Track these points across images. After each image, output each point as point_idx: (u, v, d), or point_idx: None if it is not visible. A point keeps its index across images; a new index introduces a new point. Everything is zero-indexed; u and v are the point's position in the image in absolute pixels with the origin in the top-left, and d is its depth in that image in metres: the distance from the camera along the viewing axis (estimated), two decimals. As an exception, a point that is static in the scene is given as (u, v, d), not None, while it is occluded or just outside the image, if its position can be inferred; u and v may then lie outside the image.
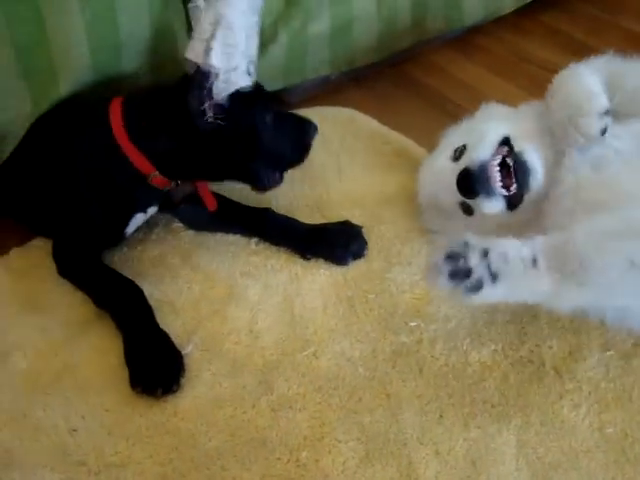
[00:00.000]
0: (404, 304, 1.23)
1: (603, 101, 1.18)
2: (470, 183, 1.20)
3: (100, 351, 1.19)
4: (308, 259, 1.30)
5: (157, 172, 1.23)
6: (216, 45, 1.13)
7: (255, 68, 1.21)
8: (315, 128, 1.28)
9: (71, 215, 1.27)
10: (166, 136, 1.20)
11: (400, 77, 1.77)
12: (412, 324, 1.20)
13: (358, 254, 1.30)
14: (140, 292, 1.22)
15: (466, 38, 1.86)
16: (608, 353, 1.15)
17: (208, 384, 1.14)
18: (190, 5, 1.35)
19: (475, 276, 0.96)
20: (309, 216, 1.38)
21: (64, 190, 1.26)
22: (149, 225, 1.38)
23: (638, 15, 1.91)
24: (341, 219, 1.37)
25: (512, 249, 0.99)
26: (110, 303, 1.22)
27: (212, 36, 1.14)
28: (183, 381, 1.14)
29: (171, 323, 1.22)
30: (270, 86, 1.56)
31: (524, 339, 1.18)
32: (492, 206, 1.22)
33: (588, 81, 1.21)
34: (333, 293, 1.25)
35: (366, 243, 1.32)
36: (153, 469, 1.05)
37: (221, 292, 1.27)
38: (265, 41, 1.52)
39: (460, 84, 1.72)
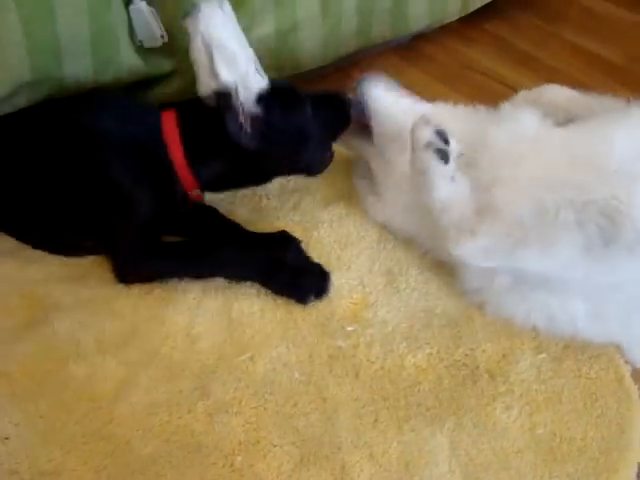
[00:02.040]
0: (342, 309, 1.24)
1: None
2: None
3: (35, 357, 1.17)
4: None
5: (199, 190, 1.27)
6: (219, 64, 1.18)
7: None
8: (348, 97, 1.33)
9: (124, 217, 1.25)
10: (221, 161, 1.24)
11: (343, 81, 1.77)
12: (349, 329, 1.21)
13: (320, 294, 1.27)
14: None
15: (411, 45, 1.88)
16: (540, 356, 1.18)
17: (144, 389, 1.14)
18: (132, 7, 1.35)
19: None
20: (250, 222, 1.37)
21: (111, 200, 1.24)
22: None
23: (579, 27, 1.95)
24: (282, 223, 1.38)
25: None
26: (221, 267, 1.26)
27: (211, 59, 1.18)
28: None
29: (109, 326, 1.21)
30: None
31: (459, 343, 1.20)
32: None
33: None
34: (271, 298, 1.25)
35: (303, 254, 1.31)
36: (87, 476, 1.04)
37: (160, 294, 1.26)
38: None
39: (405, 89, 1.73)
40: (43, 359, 1.16)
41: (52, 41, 1.27)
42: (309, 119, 1.26)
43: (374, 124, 1.39)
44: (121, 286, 1.27)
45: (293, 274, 1.25)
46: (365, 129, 1.41)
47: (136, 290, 1.26)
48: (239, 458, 1.06)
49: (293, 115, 1.25)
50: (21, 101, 1.32)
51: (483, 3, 1.92)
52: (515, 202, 1.14)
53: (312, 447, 1.07)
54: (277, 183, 1.47)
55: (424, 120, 1.19)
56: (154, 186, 1.23)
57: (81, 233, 1.27)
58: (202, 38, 1.18)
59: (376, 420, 1.11)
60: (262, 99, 1.22)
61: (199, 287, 1.27)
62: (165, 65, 1.47)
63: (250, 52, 1.25)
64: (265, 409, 1.12)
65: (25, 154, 1.28)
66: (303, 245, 1.32)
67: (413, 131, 1.20)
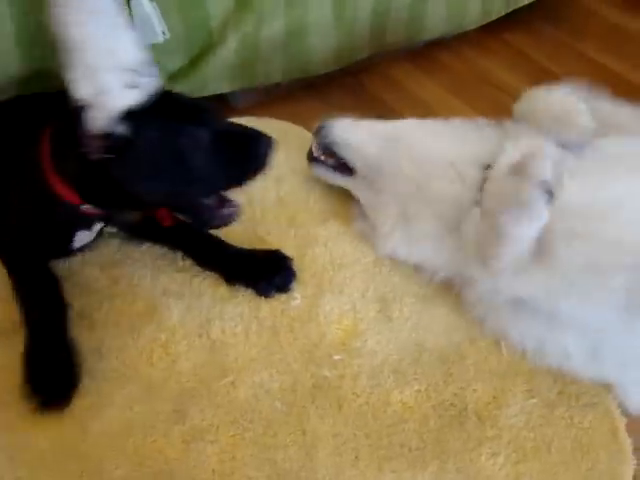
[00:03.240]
0: (330, 335, 1.20)
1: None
2: None
3: (7, 368, 1.13)
4: (232, 284, 1.25)
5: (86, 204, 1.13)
6: (75, 73, 0.97)
7: (150, 75, 1.02)
8: (268, 142, 1.08)
9: (16, 228, 1.22)
10: (77, 167, 1.07)
11: (354, 88, 1.73)
12: (336, 357, 1.17)
13: (282, 288, 1.25)
14: (62, 307, 1.18)
15: (426, 52, 1.82)
16: (532, 400, 1.13)
17: (120, 407, 1.10)
18: (132, 1, 1.30)
19: None
20: (242, 233, 1.33)
21: (8, 205, 1.21)
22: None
23: (602, 43, 1.88)
24: (275, 238, 1.33)
25: None
26: (27, 305, 1.17)
27: (69, 65, 0.97)
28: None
29: (87, 338, 1.17)
30: (215, 89, 1.52)
31: (449, 380, 1.15)
32: None
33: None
34: (256, 319, 1.21)
35: (293, 277, 1.26)
36: (55, 496, 1.00)
37: (141, 309, 1.22)
38: (213, 43, 1.47)
39: (415, 101, 1.68)
40: (17, 370, 1.13)
41: (45, 33, 1.21)
42: (201, 153, 1.05)
43: (353, 162, 1.35)
44: (103, 296, 1.23)
45: (255, 266, 1.24)
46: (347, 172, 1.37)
47: (118, 301, 1.22)
48: (212, 489, 1.03)
49: (175, 143, 1.03)
50: (11, 94, 1.28)
51: (504, 12, 1.85)
52: (573, 256, 1.09)
53: (288, 482, 1.04)
54: (273, 193, 1.42)
55: (545, 153, 1.10)
56: (30, 196, 1.17)
57: None
58: (66, 38, 0.96)
59: (356, 458, 1.07)
60: (132, 117, 0.99)
61: (183, 303, 1.23)
62: (167, 64, 1.43)
63: (130, 60, 1.00)
64: (243, 438, 1.08)
65: None
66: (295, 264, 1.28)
67: (529, 160, 1.09)
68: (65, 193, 1.11)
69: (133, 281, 1.26)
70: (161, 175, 1.05)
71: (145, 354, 1.16)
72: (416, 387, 1.14)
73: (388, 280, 1.28)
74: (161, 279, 1.27)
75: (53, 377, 1.10)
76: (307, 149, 1.42)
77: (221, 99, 1.60)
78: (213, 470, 1.04)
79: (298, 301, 1.24)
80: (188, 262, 1.30)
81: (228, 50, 1.48)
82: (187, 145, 1.04)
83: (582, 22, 1.97)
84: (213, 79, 1.53)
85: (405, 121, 1.37)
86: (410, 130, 1.32)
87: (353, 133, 1.35)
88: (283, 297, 1.24)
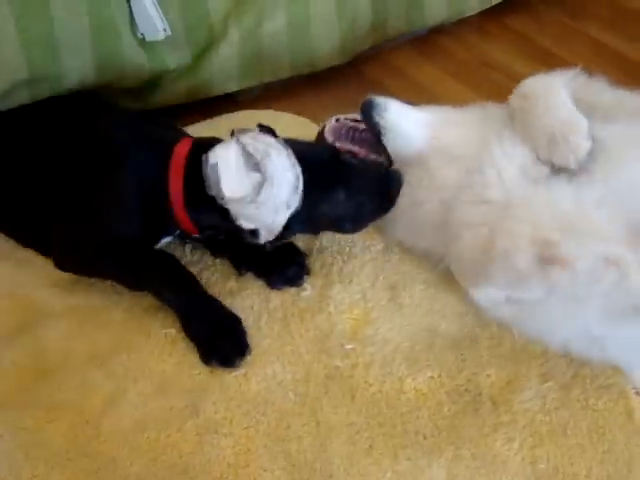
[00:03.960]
0: (341, 325, 1.19)
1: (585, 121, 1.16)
2: None
3: (22, 366, 1.14)
4: (243, 274, 1.25)
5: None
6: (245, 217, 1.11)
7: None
8: (399, 179, 1.20)
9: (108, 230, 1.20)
10: (216, 215, 1.13)
11: (357, 77, 1.72)
12: (348, 347, 1.16)
13: (293, 282, 1.24)
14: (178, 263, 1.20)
15: (428, 39, 1.81)
16: (547, 384, 1.12)
17: (133, 404, 1.10)
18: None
19: None
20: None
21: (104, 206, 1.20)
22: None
23: (606, 23, 1.86)
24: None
25: None
26: (155, 283, 1.19)
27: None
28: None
29: (98, 337, 1.17)
30: (223, 89, 1.51)
31: (462, 366, 1.15)
32: None
33: (566, 97, 1.18)
34: (266, 311, 1.20)
35: (305, 271, 1.25)
36: (71, 494, 1.00)
37: (151, 304, 1.21)
38: (215, 39, 1.47)
39: (419, 87, 1.68)
40: (30, 368, 1.14)
41: (48, 35, 1.21)
42: (340, 206, 1.18)
43: (390, 146, 1.30)
44: (111, 294, 1.23)
45: (269, 257, 1.23)
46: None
47: (126, 298, 1.22)
48: (227, 482, 1.03)
49: (319, 210, 1.17)
50: (22, 98, 1.28)
51: (506, -4, 1.84)
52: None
53: (303, 473, 1.03)
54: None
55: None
56: (142, 212, 1.17)
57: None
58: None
59: (371, 447, 1.06)
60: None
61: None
62: (169, 61, 1.42)
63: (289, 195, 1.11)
64: (257, 431, 1.07)
65: (27, 148, 1.24)
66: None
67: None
68: (184, 222, 1.17)
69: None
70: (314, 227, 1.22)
71: (156, 350, 1.16)
72: (429, 374, 1.13)
73: (398, 268, 1.28)
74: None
75: (226, 334, 1.15)
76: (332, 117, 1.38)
77: (226, 93, 1.59)
78: (228, 463, 1.04)
79: (308, 292, 1.23)
80: (197, 256, 1.30)
81: (230, 46, 1.48)
82: (328, 208, 1.17)
83: (583, 3, 1.95)
84: (219, 77, 1.52)
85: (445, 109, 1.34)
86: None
87: (406, 120, 1.31)
88: (293, 288, 1.24)
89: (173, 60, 1.43)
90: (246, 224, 1.11)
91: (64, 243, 1.20)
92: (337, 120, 1.35)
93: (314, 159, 1.15)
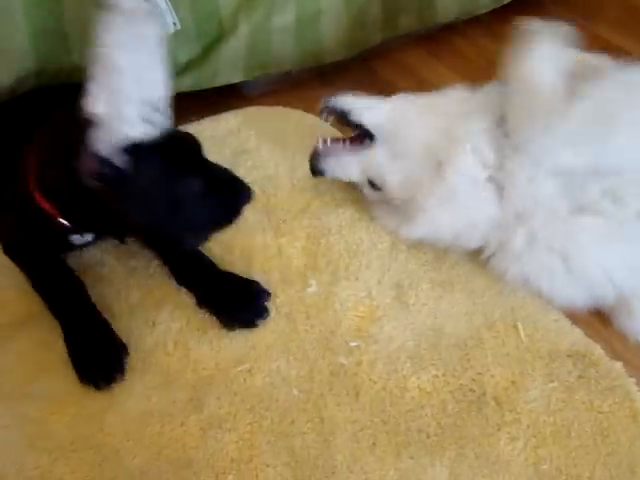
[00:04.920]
0: (346, 322, 1.19)
1: None
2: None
3: (28, 356, 1.14)
4: (202, 308, 1.21)
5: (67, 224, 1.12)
6: (98, 91, 0.94)
7: (165, 114, 1.00)
8: (249, 195, 1.10)
9: (14, 229, 1.22)
10: (63, 187, 1.07)
11: (367, 75, 1.71)
12: (353, 344, 1.17)
13: (247, 324, 1.18)
14: (82, 286, 1.19)
15: (438, 37, 1.80)
16: (551, 385, 1.12)
17: (137, 397, 1.11)
18: None
19: None
20: (256, 222, 1.33)
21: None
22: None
23: (617, 24, 1.85)
24: (290, 226, 1.32)
25: None
26: (50, 295, 1.18)
27: (96, 81, 0.95)
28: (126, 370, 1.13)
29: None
30: (227, 79, 1.51)
31: (467, 365, 1.14)
32: None
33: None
34: (273, 306, 1.21)
35: (263, 314, 1.19)
36: (74, 486, 1.01)
37: (157, 299, 1.22)
38: (224, 33, 1.46)
39: (428, 86, 1.65)
40: (36, 359, 1.14)
41: (58, 27, 1.21)
42: (191, 200, 1.06)
43: (368, 124, 1.33)
44: (119, 286, 1.23)
45: (225, 294, 1.20)
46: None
47: (135, 291, 1.22)
48: (230, 477, 1.03)
49: (170, 187, 1.04)
50: (29, 87, 1.28)
51: (517, -5, 1.83)
52: None
53: (306, 469, 1.03)
54: (287, 180, 1.42)
55: None
56: (17, 204, 1.15)
57: None
58: (105, 57, 0.94)
59: (374, 444, 1.06)
60: (135, 151, 0.98)
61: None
62: (180, 55, 1.42)
63: (153, 95, 0.98)
64: (260, 426, 1.08)
65: None
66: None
67: None
68: (48, 208, 1.10)
69: (149, 271, 1.26)
70: (150, 212, 1.05)
71: (161, 344, 1.16)
72: (433, 372, 1.13)
73: (404, 266, 1.27)
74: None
75: (100, 354, 1.12)
76: (319, 138, 1.38)
77: (233, 88, 1.59)
78: (231, 458, 1.04)
79: (314, 288, 1.23)
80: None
81: (239, 40, 1.48)
82: (180, 192, 1.05)
83: (594, 3, 1.94)
84: (225, 69, 1.52)
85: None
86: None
87: (359, 100, 1.35)
88: (299, 285, 1.24)
89: (184, 54, 1.43)
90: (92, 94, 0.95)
91: None
92: (324, 142, 1.36)
93: (185, 141, 1.09)
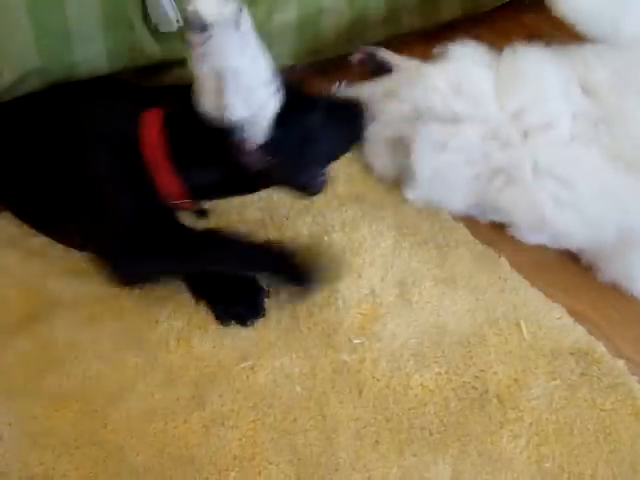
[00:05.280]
0: (350, 319, 1.19)
1: None
2: None
3: (31, 355, 1.14)
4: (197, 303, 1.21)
5: (186, 197, 1.14)
6: (231, 97, 1.02)
7: (278, 79, 1.09)
8: (362, 113, 1.18)
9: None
10: (212, 171, 1.12)
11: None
12: (356, 341, 1.17)
13: (241, 320, 1.18)
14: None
15: (441, 33, 1.79)
16: (554, 382, 1.12)
17: (140, 395, 1.11)
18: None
19: None
20: (259, 219, 1.33)
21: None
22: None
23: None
24: (293, 223, 1.32)
25: None
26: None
27: (220, 88, 1.02)
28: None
29: (108, 327, 1.18)
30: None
31: (469, 363, 1.15)
32: None
33: None
34: (276, 304, 1.21)
35: (258, 313, 1.19)
36: (78, 482, 1.01)
37: (159, 295, 1.22)
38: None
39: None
40: (39, 357, 1.14)
41: (61, 24, 1.21)
42: (318, 132, 1.13)
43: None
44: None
45: (222, 289, 1.19)
46: None
47: (137, 289, 1.22)
48: (233, 474, 1.04)
49: (302, 130, 1.11)
50: (32, 87, 1.27)
51: (521, -8, 1.82)
52: None
53: (309, 467, 1.04)
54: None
55: None
56: (128, 188, 1.12)
57: (71, 228, 1.21)
58: (211, 62, 1.01)
59: (377, 442, 1.06)
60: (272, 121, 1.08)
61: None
62: (184, 54, 1.41)
63: (266, 73, 1.06)
64: (263, 423, 1.08)
65: (27, 137, 1.23)
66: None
67: None
68: (169, 183, 1.11)
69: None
70: (292, 160, 1.13)
71: (163, 341, 1.16)
72: (436, 370, 1.14)
73: (407, 264, 1.27)
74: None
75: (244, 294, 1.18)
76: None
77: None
78: (234, 455, 1.05)
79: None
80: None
81: None
82: (309, 132, 1.12)
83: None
84: None
85: None
86: None
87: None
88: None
89: (187, 51, 1.42)
90: (233, 103, 1.02)
91: (102, 262, 1.16)
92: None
93: (291, 85, 1.13)
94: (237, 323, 1.18)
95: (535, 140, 1.22)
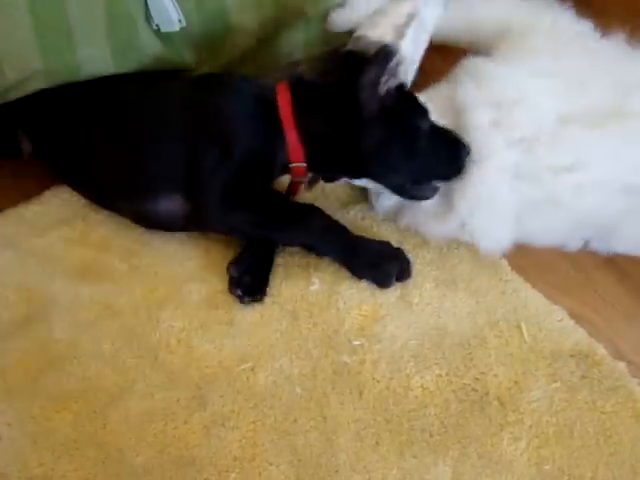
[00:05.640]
0: (350, 320, 1.19)
1: None
2: None
3: (30, 355, 1.14)
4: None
5: (302, 163, 1.21)
6: (409, 34, 1.24)
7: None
8: (468, 150, 1.21)
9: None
10: (326, 118, 1.20)
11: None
12: (356, 343, 1.16)
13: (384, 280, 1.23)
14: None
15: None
16: (554, 385, 1.12)
17: (140, 395, 1.10)
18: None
19: None
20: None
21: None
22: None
23: (624, 22, 1.84)
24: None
25: None
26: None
27: (407, 25, 1.25)
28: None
29: (107, 327, 1.17)
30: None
31: (470, 365, 1.14)
32: None
33: None
34: (276, 305, 1.20)
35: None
36: (77, 483, 1.01)
37: (161, 296, 1.22)
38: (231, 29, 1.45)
39: (425, 79, 1.66)
40: (38, 358, 1.14)
41: (63, 24, 1.21)
42: (423, 134, 1.21)
43: None
44: (123, 284, 1.23)
45: (376, 257, 1.22)
46: None
47: (138, 289, 1.22)
48: (233, 475, 1.03)
49: (414, 118, 1.21)
50: (38, 85, 1.27)
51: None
52: None
53: (309, 468, 1.04)
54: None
55: None
56: (260, 136, 1.20)
57: (168, 185, 1.22)
58: (414, 6, 1.27)
59: (377, 443, 1.06)
60: (401, 90, 1.21)
61: (203, 290, 1.22)
62: (187, 55, 1.41)
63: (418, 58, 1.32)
64: (263, 424, 1.08)
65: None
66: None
67: None
68: (293, 143, 1.20)
69: (153, 269, 1.26)
70: (395, 141, 1.20)
71: (164, 342, 1.16)
72: (437, 372, 1.13)
73: (408, 265, 1.27)
74: (181, 267, 1.26)
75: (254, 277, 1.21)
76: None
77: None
78: (234, 456, 1.05)
79: (317, 286, 1.23)
80: (208, 249, 1.29)
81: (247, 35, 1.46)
82: (421, 126, 1.21)
83: (601, 2, 1.93)
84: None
85: None
86: None
87: None
88: (302, 283, 1.23)
89: (191, 55, 1.41)
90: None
91: (202, 203, 1.20)
92: None
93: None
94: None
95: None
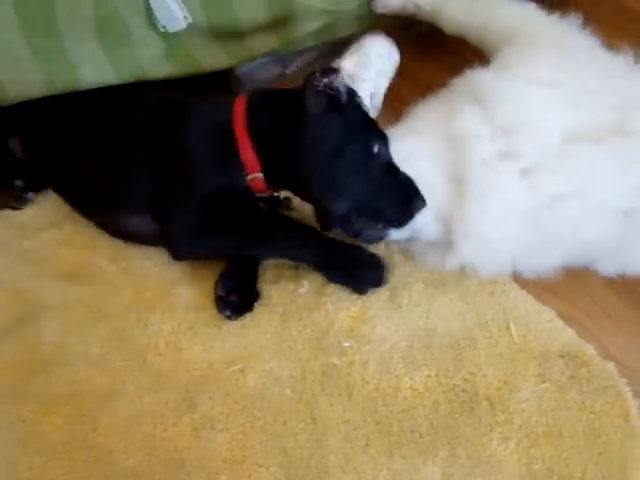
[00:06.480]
0: (339, 322, 1.19)
1: None
2: None
3: (19, 358, 1.14)
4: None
5: (259, 174, 1.18)
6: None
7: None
8: (423, 201, 1.15)
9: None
10: (274, 120, 1.17)
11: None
12: (345, 344, 1.16)
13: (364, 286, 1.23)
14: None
15: (433, 35, 1.79)
16: (543, 385, 1.13)
17: (130, 398, 1.11)
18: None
19: None
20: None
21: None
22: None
23: (613, 27, 1.85)
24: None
25: None
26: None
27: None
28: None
29: (96, 330, 1.18)
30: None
31: (459, 366, 1.15)
32: None
33: None
34: (265, 307, 1.20)
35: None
36: (67, 487, 1.01)
37: (149, 299, 1.22)
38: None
39: (420, 86, 1.66)
40: (28, 360, 1.14)
41: (51, 25, 1.21)
42: (372, 162, 1.15)
43: None
44: (111, 286, 1.23)
45: (350, 264, 1.20)
46: None
47: (127, 292, 1.22)
48: (223, 477, 1.04)
49: (367, 136, 1.15)
50: (42, 95, 1.28)
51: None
52: None
53: (299, 470, 1.04)
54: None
55: None
56: (218, 162, 1.18)
57: (137, 205, 1.22)
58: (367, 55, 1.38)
59: (366, 445, 1.07)
60: (351, 97, 1.16)
61: (194, 292, 1.22)
62: (197, 52, 1.40)
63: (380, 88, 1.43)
64: (253, 426, 1.08)
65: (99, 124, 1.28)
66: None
67: None
68: (250, 159, 1.17)
69: (141, 272, 1.26)
70: (330, 148, 1.13)
71: (153, 344, 1.16)
72: (426, 373, 1.14)
73: (397, 267, 1.27)
74: (170, 269, 1.27)
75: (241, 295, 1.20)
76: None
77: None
78: (224, 458, 1.05)
79: (306, 288, 1.23)
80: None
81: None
82: (374, 149, 1.15)
83: (589, 6, 1.94)
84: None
85: None
86: None
87: None
88: (291, 285, 1.23)
89: (201, 50, 1.41)
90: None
91: (168, 232, 1.20)
92: None
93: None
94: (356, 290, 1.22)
95: None
